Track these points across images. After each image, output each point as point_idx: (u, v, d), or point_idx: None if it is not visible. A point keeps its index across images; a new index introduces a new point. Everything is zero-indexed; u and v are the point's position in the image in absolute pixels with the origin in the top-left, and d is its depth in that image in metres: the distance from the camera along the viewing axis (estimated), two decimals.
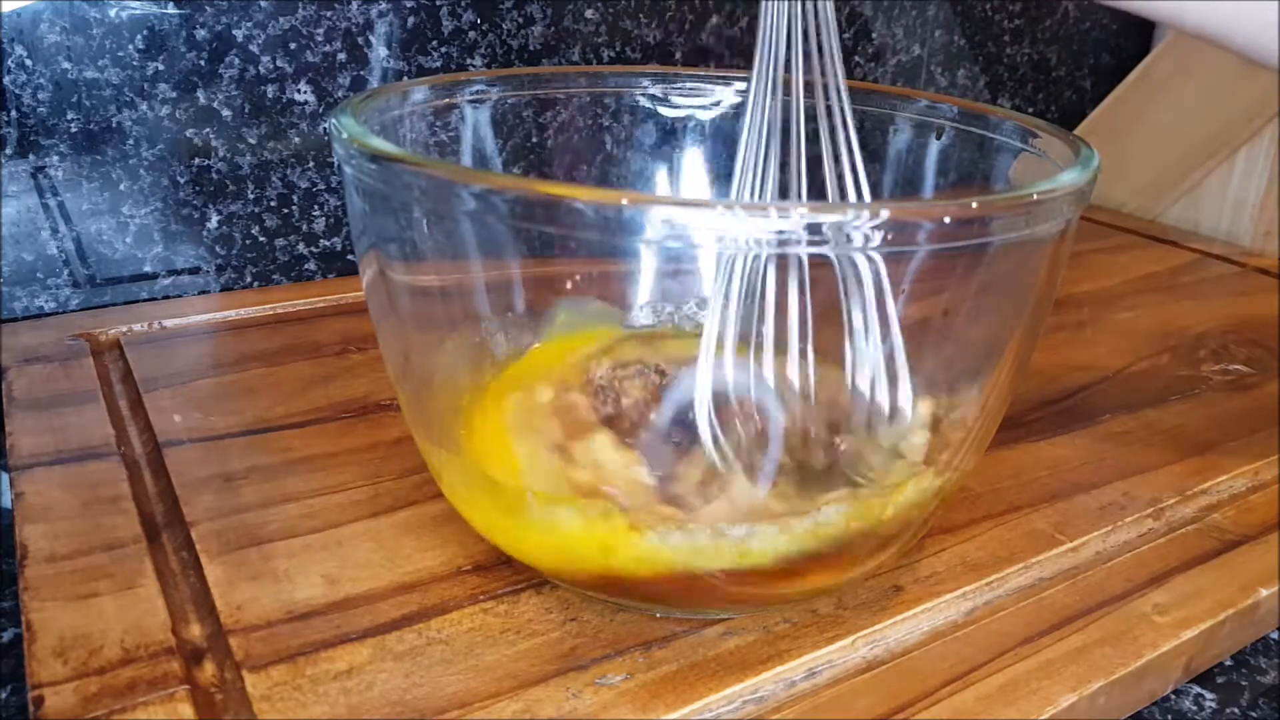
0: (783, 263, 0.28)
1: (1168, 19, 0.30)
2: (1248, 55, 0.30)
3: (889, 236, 0.23)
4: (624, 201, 0.22)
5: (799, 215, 0.22)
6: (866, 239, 0.22)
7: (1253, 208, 0.68)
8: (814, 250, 0.23)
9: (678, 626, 0.29)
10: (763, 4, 0.29)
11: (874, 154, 0.37)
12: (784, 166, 0.30)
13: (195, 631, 0.28)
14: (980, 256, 0.26)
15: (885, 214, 0.22)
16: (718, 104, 0.39)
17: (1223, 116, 0.68)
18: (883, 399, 0.28)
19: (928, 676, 0.28)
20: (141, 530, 0.31)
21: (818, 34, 0.29)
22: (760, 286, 0.28)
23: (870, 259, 0.26)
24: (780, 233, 0.22)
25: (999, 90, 0.79)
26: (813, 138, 0.37)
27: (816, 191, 0.31)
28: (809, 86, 0.29)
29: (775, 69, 0.29)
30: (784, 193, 0.30)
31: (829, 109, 0.30)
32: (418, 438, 0.30)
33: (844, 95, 0.29)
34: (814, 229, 0.22)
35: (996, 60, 0.77)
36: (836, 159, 0.30)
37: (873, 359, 0.28)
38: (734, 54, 0.63)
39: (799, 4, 0.29)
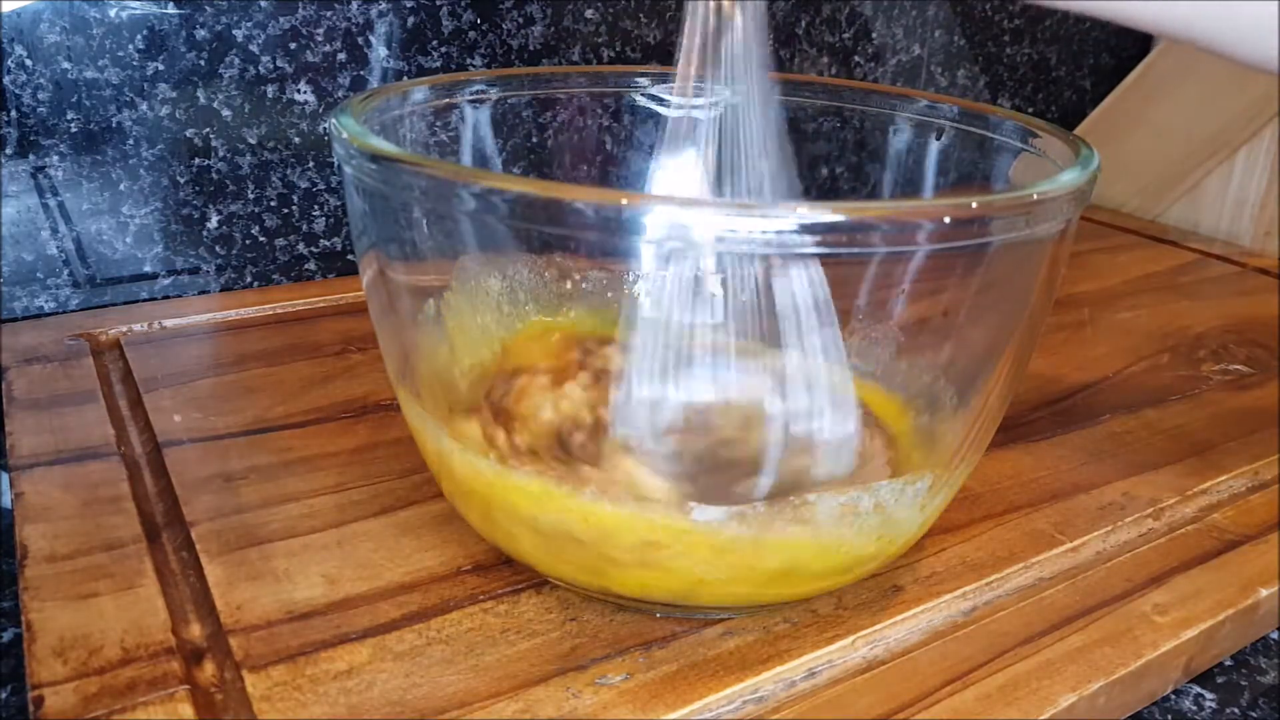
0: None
1: (1158, 28, 0.30)
2: (1240, 60, 0.30)
3: (888, 236, 0.23)
4: (624, 201, 0.22)
5: (795, 216, 0.22)
6: (850, 239, 0.22)
7: (1253, 208, 0.68)
8: (812, 251, 0.23)
9: (678, 626, 0.29)
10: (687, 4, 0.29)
11: (874, 154, 0.37)
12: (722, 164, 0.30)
13: (195, 631, 0.28)
14: (980, 256, 0.26)
15: (881, 214, 0.22)
16: (718, 104, 0.39)
17: (1223, 116, 0.68)
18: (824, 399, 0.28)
19: (928, 676, 0.28)
20: (141, 530, 0.31)
21: (744, 33, 0.29)
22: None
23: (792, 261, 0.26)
24: (778, 233, 0.22)
25: (999, 90, 0.79)
26: (810, 137, 0.38)
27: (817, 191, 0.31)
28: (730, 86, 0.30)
29: (698, 67, 0.29)
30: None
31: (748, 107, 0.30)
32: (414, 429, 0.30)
33: (762, 95, 0.29)
34: (809, 229, 0.22)
35: (996, 60, 0.77)
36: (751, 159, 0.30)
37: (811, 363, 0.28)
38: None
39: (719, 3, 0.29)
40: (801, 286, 0.26)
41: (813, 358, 0.27)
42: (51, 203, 0.46)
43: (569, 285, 0.38)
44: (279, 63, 0.50)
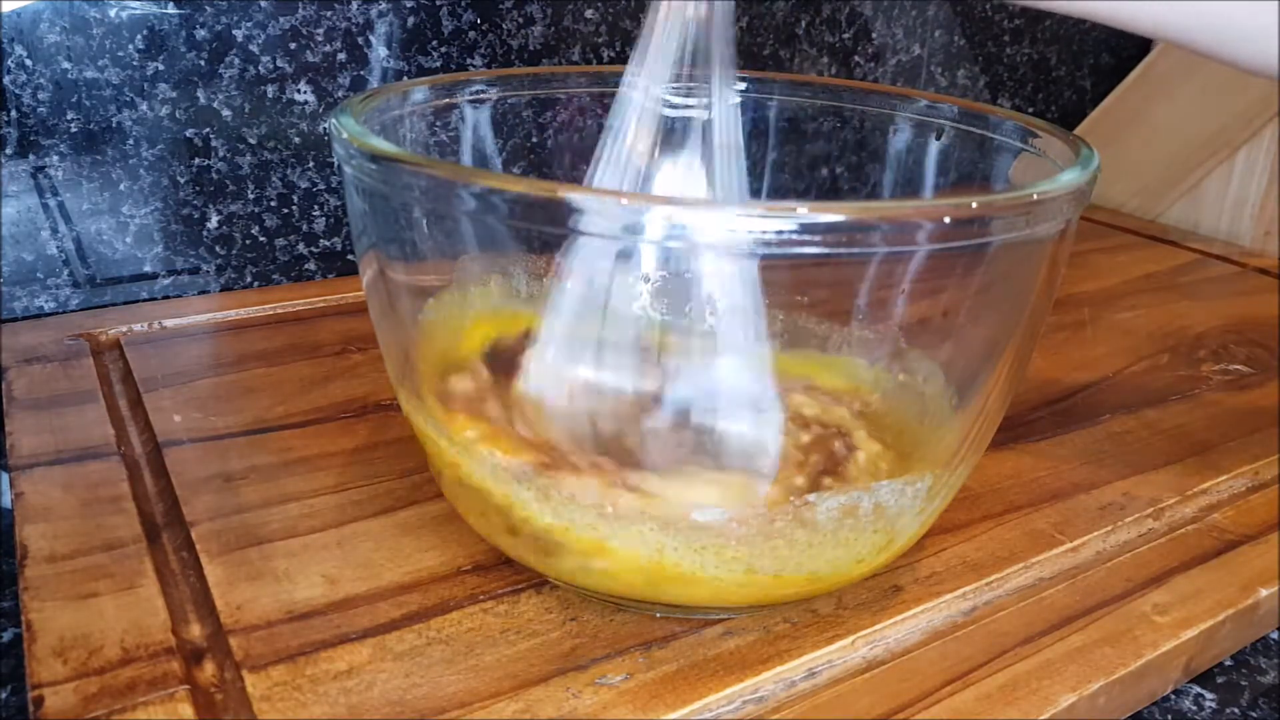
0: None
1: (1156, 32, 0.30)
2: (1238, 65, 0.30)
3: (888, 236, 0.23)
4: (624, 202, 0.22)
5: (795, 216, 0.22)
6: (850, 238, 0.22)
7: (1253, 208, 0.68)
8: (812, 251, 0.23)
9: (678, 626, 0.29)
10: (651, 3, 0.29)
11: (874, 154, 0.37)
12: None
13: (195, 631, 0.28)
14: (980, 256, 0.26)
15: (881, 214, 0.22)
16: (690, 106, 0.39)
17: (1223, 116, 0.68)
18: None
19: (928, 676, 0.28)
20: (141, 530, 0.31)
21: (708, 34, 0.29)
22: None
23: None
24: (778, 233, 0.22)
25: (999, 90, 0.79)
26: (810, 137, 0.38)
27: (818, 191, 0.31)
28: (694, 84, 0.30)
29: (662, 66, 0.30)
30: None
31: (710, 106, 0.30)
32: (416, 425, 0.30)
33: (726, 93, 0.29)
34: (809, 229, 0.22)
35: (996, 60, 0.77)
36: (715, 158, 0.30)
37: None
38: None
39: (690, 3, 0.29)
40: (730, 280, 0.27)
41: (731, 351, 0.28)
42: (51, 203, 0.46)
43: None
44: (279, 63, 0.50)
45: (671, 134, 0.31)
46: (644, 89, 0.29)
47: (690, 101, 0.32)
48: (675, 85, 0.38)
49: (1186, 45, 0.29)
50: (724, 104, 0.30)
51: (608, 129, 0.30)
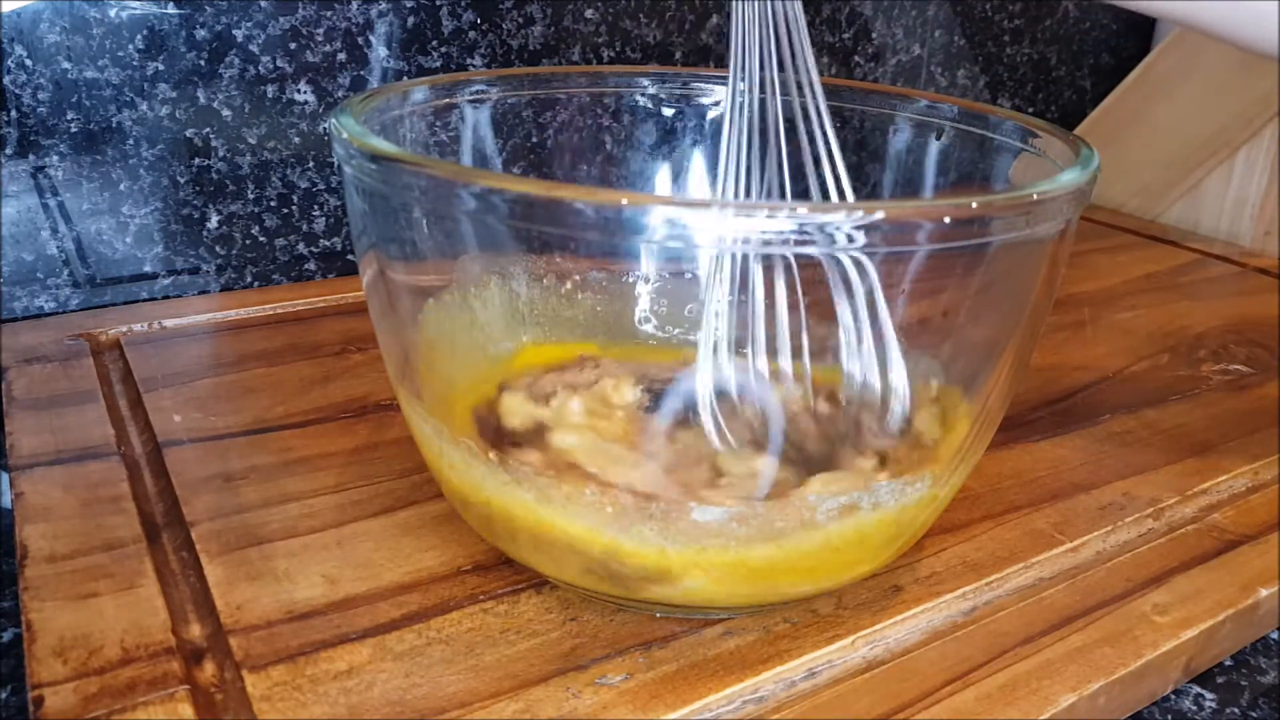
0: (773, 261, 0.28)
1: (1162, 12, 0.30)
2: (1243, 46, 0.30)
3: (888, 236, 0.23)
4: (624, 201, 0.22)
5: (794, 215, 0.22)
6: (850, 238, 0.22)
7: (1253, 208, 0.68)
8: (810, 251, 0.23)
9: (678, 626, 0.29)
10: (734, 4, 0.29)
11: (874, 154, 0.37)
12: (764, 166, 0.30)
13: (195, 631, 0.28)
14: (980, 256, 0.26)
15: (880, 214, 0.22)
16: (718, 104, 0.39)
17: (1223, 116, 0.68)
18: (875, 391, 0.28)
19: (928, 676, 0.28)
20: (141, 530, 0.31)
21: (789, 34, 0.29)
22: (752, 284, 0.28)
23: (858, 259, 0.26)
24: (778, 233, 0.22)
25: (999, 90, 0.79)
26: (810, 138, 0.37)
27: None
28: (784, 87, 0.30)
29: (750, 69, 0.29)
30: (768, 193, 0.31)
31: (805, 110, 0.30)
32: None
33: (819, 95, 0.29)
34: (809, 229, 0.22)
35: (996, 60, 0.77)
36: (817, 161, 0.30)
37: (867, 354, 0.28)
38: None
39: (769, 4, 0.29)
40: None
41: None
42: (51, 203, 0.46)
43: (568, 286, 0.38)
44: (279, 63, 0.50)
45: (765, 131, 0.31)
46: (743, 88, 0.29)
47: (691, 102, 0.32)
48: (675, 86, 0.38)
49: (1192, 25, 0.29)
50: (816, 98, 0.30)
51: (728, 133, 0.30)
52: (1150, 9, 0.30)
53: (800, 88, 0.30)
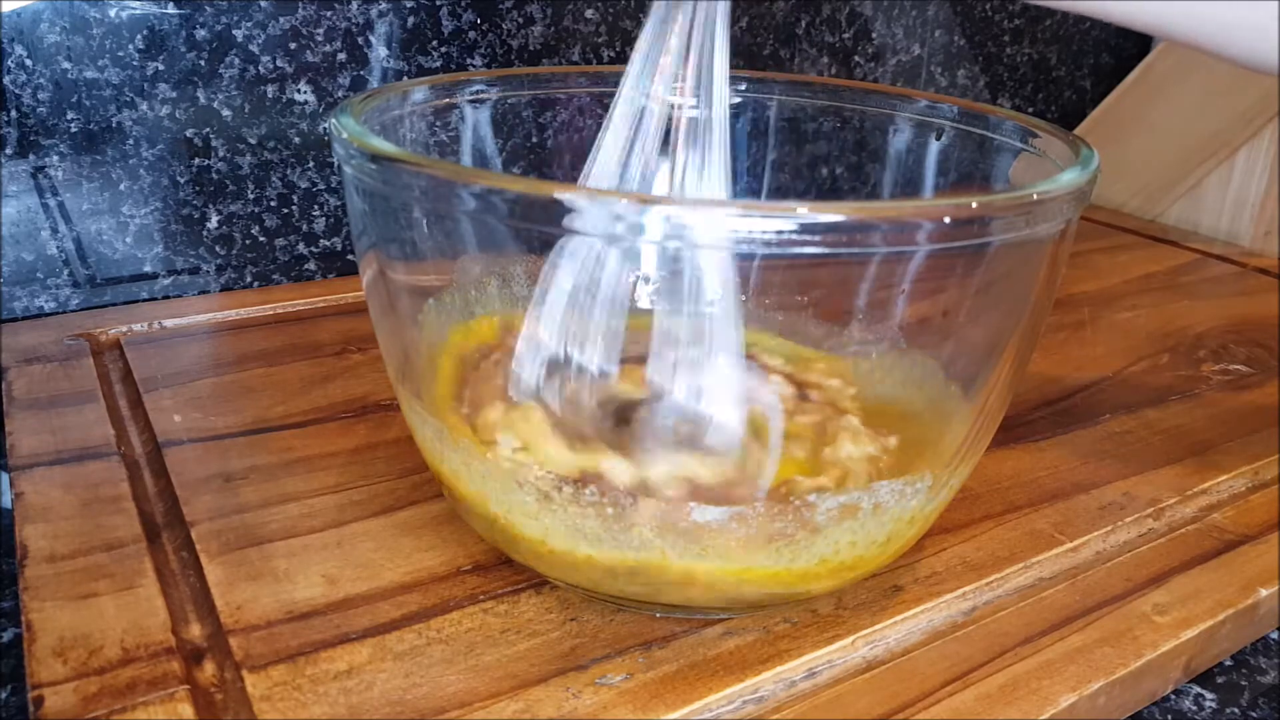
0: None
1: (1157, 29, 0.30)
2: (1238, 61, 0.30)
3: (888, 237, 0.23)
4: (623, 201, 0.22)
5: (794, 215, 0.22)
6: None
7: (1253, 208, 0.68)
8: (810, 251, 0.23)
9: (678, 626, 0.29)
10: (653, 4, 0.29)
11: (874, 154, 0.37)
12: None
13: (195, 631, 0.28)
14: (980, 256, 0.26)
15: (881, 214, 0.22)
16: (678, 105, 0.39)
17: (1223, 116, 0.68)
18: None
19: (928, 676, 0.28)
20: (141, 530, 0.31)
21: (701, 34, 0.29)
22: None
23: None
24: (777, 233, 0.22)
25: (999, 90, 0.79)
26: (810, 137, 0.38)
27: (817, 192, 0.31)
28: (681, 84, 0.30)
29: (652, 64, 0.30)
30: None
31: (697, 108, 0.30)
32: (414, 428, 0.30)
33: (719, 95, 0.30)
34: (807, 228, 0.22)
35: (996, 60, 0.77)
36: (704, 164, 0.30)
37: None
38: (733, 53, 0.62)
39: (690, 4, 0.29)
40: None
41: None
42: (51, 203, 0.46)
43: None
44: (279, 63, 0.50)
45: (669, 133, 0.31)
46: (645, 90, 0.29)
47: (688, 101, 0.32)
48: (674, 85, 0.38)
49: (1185, 41, 0.29)
50: (721, 105, 0.30)
51: (606, 128, 0.30)
52: (1146, 27, 0.30)
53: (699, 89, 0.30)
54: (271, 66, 0.49)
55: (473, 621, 0.29)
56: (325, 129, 0.52)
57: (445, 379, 0.32)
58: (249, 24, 0.48)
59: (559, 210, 0.22)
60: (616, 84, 0.31)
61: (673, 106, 0.30)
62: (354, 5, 0.50)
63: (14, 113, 0.45)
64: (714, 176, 0.30)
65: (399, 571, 0.30)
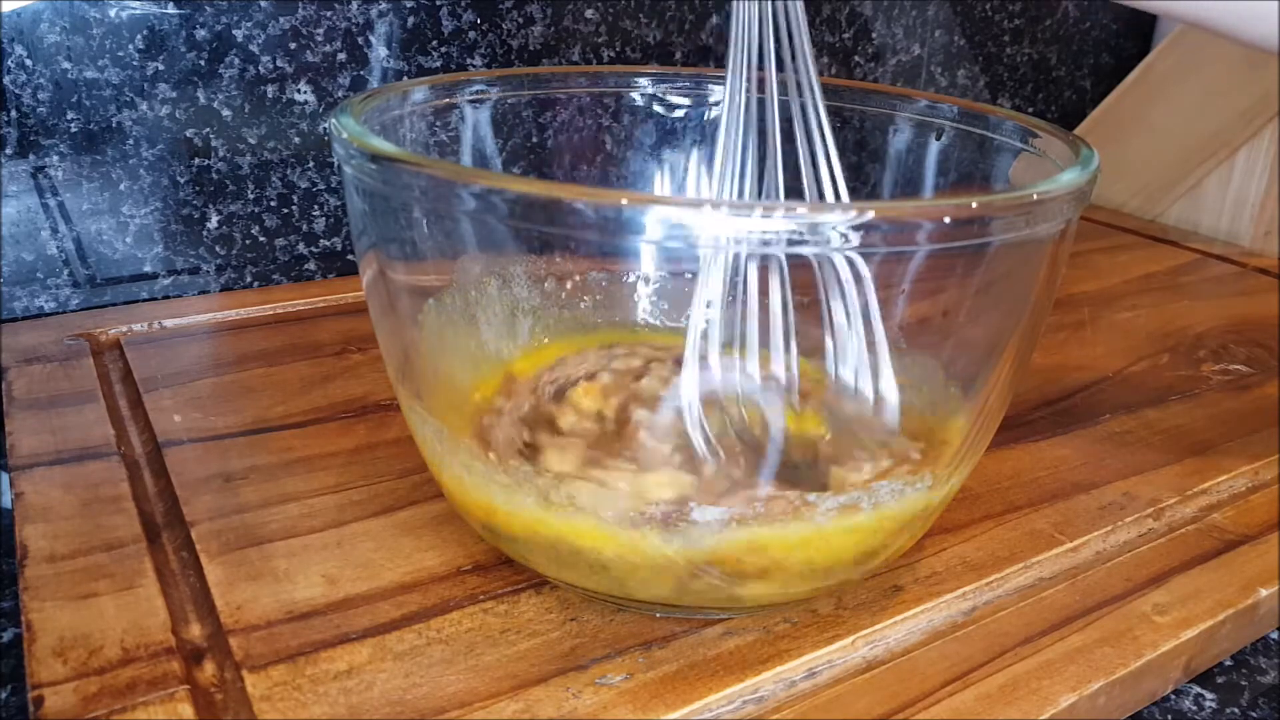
0: (768, 262, 0.28)
1: (1169, 11, 0.30)
2: (1242, 41, 0.30)
3: (888, 236, 0.23)
4: (624, 201, 0.22)
5: (793, 215, 0.22)
6: (845, 238, 0.22)
7: (1253, 208, 0.68)
8: (807, 251, 0.23)
9: (678, 626, 0.29)
10: (734, 4, 0.29)
11: (874, 154, 0.37)
12: (762, 165, 0.30)
13: (195, 631, 0.28)
14: (980, 256, 0.26)
15: (871, 214, 0.22)
16: (718, 104, 0.39)
17: (1223, 116, 0.68)
18: (867, 393, 0.28)
19: (928, 676, 0.28)
20: (141, 530, 0.31)
21: (789, 34, 0.29)
22: (745, 284, 0.28)
23: (851, 259, 0.26)
24: (778, 233, 0.22)
25: (999, 90, 0.79)
26: (808, 139, 0.37)
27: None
28: (784, 86, 0.30)
29: (749, 68, 0.29)
30: (766, 194, 0.31)
31: (804, 111, 0.30)
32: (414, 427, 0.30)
33: (819, 96, 0.29)
34: (806, 229, 0.22)
35: (996, 60, 0.77)
36: (814, 163, 0.30)
37: (856, 355, 0.28)
38: None
39: (769, 4, 0.29)
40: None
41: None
42: (51, 203, 0.46)
43: (569, 286, 0.38)
44: (279, 63, 0.50)
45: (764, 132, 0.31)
46: (742, 88, 0.29)
47: (691, 102, 0.32)
48: (675, 86, 0.38)
49: (1194, 22, 0.29)
50: (815, 99, 0.30)
51: (726, 133, 0.30)
52: (1154, 7, 0.30)
53: (800, 88, 0.30)
54: (271, 66, 0.49)
55: (473, 621, 0.29)
56: (325, 129, 0.52)
57: (487, 385, 0.32)
58: (249, 24, 0.48)
59: (560, 211, 0.22)
60: (617, 84, 0.31)
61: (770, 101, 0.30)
62: (354, 5, 0.50)
63: (14, 113, 0.45)
64: (831, 165, 0.30)
65: (399, 571, 0.30)
